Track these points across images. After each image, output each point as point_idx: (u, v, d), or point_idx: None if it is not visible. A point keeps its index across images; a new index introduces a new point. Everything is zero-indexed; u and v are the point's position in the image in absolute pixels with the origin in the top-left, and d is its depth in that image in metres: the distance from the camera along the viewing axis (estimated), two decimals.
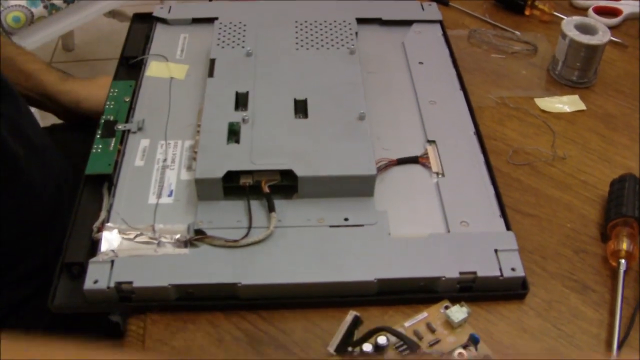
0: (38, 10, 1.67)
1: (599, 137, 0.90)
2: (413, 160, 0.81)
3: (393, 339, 0.63)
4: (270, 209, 0.72)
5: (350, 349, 0.61)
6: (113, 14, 2.19)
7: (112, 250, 0.69)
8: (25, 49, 1.11)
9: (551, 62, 1.01)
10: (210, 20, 0.99)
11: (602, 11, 1.13)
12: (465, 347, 0.62)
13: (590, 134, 0.90)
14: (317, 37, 0.93)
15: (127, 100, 0.87)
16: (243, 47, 0.91)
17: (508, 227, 0.73)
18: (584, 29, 0.97)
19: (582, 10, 1.14)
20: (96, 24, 2.34)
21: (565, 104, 0.95)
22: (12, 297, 0.82)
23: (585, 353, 0.66)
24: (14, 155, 0.80)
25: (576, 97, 0.96)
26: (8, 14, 1.62)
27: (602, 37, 0.95)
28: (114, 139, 0.81)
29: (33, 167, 0.83)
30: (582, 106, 0.95)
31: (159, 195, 0.76)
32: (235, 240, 0.69)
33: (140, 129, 0.83)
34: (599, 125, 0.92)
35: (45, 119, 1.33)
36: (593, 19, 1.04)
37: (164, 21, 1.03)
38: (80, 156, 0.80)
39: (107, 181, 0.77)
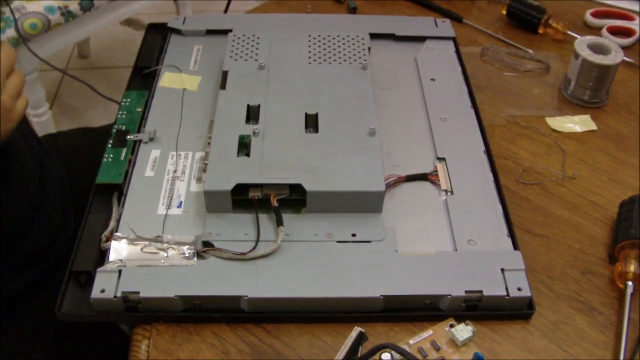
0: (55, 17, 1.68)
1: (610, 158, 0.90)
2: (422, 177, 0.81)
3: (397, 356, 0.63)
4: (279, 222, 0.72)
5: None
6: (128, 22, 2.20)
7: (120, 260, 0.69)
8: None
9: (563, 81, 1.01)
10: (224, 32, 0.99)
11: (616, 31, 1.13)
12: None
13: (600, 154, 0.90)
14: (329, 52, 0.93)
15: (139, 110, 0.88)
16: (256, 60, 0.91)
17: (515, 247, 0.73)
18: (597, 48, 0.97)
19: (596, 30, 1.14)
20: (112, 32, 2.36)
21: (577, 123, 0.95)
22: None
23: None
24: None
25: (587, 117, 0.96)
26: (25, 21, 1.63)
27: (615, 57, 0.95)
28: (125, 149, 0.82)
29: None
30: (593, 126, 0.95)
31: (168, 206, 0.76)
32: (243, 253, 0.70)
33: (151, 139, 0.84)
34: (609, 146, 0.92)
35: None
36: (607, 38, 1.04)
37: (178, 32, 1.04)
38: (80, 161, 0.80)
39: (117, 191, 0.78)
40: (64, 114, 2.20)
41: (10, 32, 1.62)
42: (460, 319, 0.66)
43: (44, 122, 1.81)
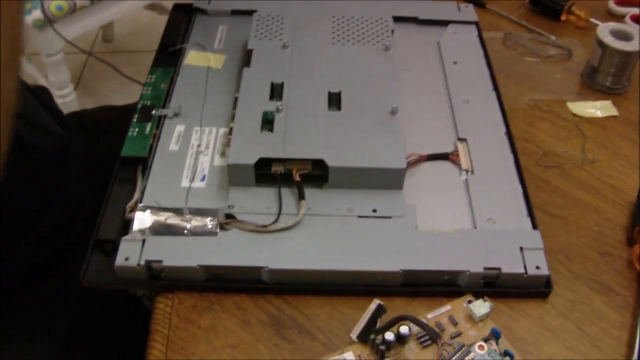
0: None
1: (630, 143, 0.90)
2: (443, 156, 0.82)
3: (415, 329, 0.63)
4: (300, 196, 0.73)
5: (372, 336, 0.62)
6: (153, 6, 2.22)
7: (144, 230, 0.71)
8: None
9: (585, 67, 1.01)
10: (249, 13, 1.00)
11: (639, 19, 1.13)
12: (486, 340, 0.62)
13: (621, 139, 0.90)
14: (353, 33, 0.94)
15: (164, 86, 0.89)
16: (280, 39, 0.92)
17: (534, 227, 0.74)
18: (620, 35, 0.97)
19: (619, 18, 1.14)
20: (136, 16, 2.38)
21: (598, 109, 0.95)
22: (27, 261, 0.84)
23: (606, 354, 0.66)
24: None
25: (609, 102, 0.96)
26: (51, 3, 1.65)
27: (637, 43, 0.95)
28: (150, 124, 0.83)
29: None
30: (614, 112, 0.95)
31: (192, 180, 0.77)
32: (265, 226, 0.71)
33: (176, 114, 0.85)
34: (630, 132, 0.92)
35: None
36: (630, 26, 1.04)
37: (203, 12, 1.05)
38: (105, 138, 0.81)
39: (141, 164, 0.79)
40: (87, 95, 2.22)
41: (36, 14, 1.64)
42: (478, 295, 0.67)
43: (68, 102, 1.84)
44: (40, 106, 0.86)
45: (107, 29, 2.44)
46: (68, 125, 0.92)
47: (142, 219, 0.72)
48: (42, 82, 1.83)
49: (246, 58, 0.89)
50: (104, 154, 0.87)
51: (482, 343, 0.60)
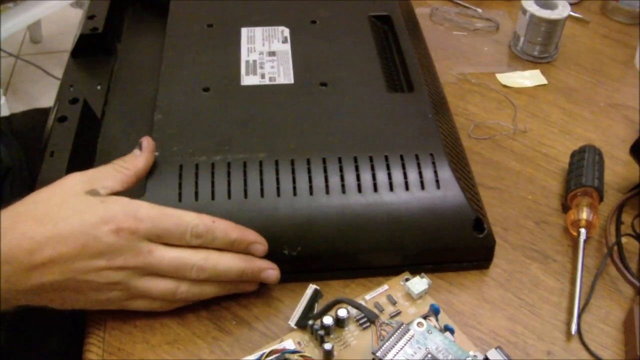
0: None
1: (560, 111, 0.90)
2: None
3: (354, 311, 0.63)
4: None
5: (311, 322, 0.61)
6: (79, 4, 2.18)
7: None
8: None
9: (512, 38, 1.01)
10: None
11: None
12: (425, 317, 0.61)
13: (551, 107, 0.91)
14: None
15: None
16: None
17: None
18: (544, 4, 0.97)
19: None
20: (63, 15, 2.33)
21: (527, 78, 0.95)
22: None
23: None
24: None
25: (537, 71, 0.96)
26: None
27: (562, 11, 0.96)
28: None
29: None
30: (543, 80, 0.95)
31: None
32: None
33: None
34: (560, 99, 0.92)
35: None
36: None
37: None
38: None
39: None
40: (17, 99, 2.17)
41: None
42: (415, 272, 0.67)
43: None
44: None
45: (34, 29, 2.38)
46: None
47: None
48: None
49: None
50: (37, 159, 0.85)
51: (421, 320, 0.60)
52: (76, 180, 0.62)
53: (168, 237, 0.61)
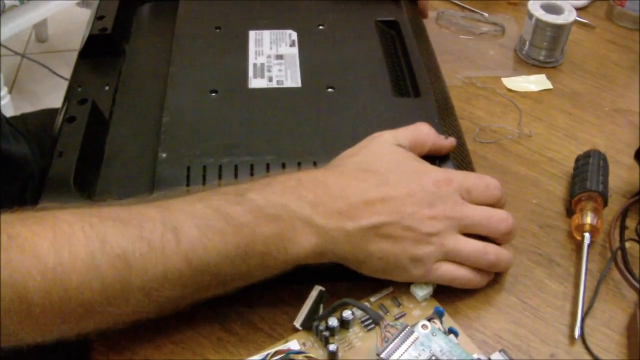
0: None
1: (566, 115, 0.91)
2: None
3: (359, 313, 0.63)
4: None
5: (316, 323, 0.62)
6: (86, 3, 2.18)
7: None
8: None
9: (518, 42, 1.02)
10: None
11: None
12: (430, 319, 0.62)
13: (556, 112, 0.91)
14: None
15: None
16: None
17: None
18: (550, 9, 0.98)
19: None
20: (69, 14, 2.34)
21: (532, 83, 0.96)
22: None
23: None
24: None
25: (543, 76, 0.97)
26: None
27: (568, 16, 0.96)
28: None
29: None
30: (548, 85, 0.96)
31: None
32: None
33: None
34: (565, 104, 0.93)
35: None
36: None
37: None
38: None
39: None
40: (23, 98, 2.18)
41: None
42: None
43: (3, 106, 1.80)
44: None
45: (40, 28, 2.39)
46: (15, 131, 0.89)
47: None
48: None
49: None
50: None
51: (426, 322, 0.60)
52: (388, 136, 0.68)
53: (475, 190, 0.66)
